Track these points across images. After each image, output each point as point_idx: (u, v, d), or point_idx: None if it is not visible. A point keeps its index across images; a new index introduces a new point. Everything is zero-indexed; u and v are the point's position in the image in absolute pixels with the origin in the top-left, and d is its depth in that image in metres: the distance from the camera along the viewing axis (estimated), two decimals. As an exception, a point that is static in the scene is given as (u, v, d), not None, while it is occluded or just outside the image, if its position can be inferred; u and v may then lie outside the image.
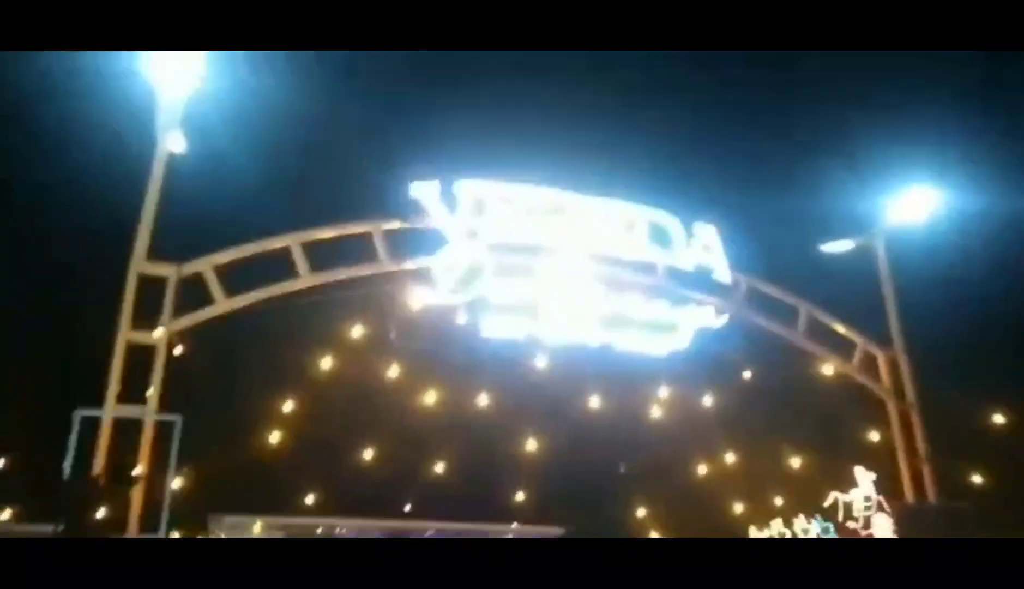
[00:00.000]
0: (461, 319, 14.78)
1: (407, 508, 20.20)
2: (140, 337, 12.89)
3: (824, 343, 17.07)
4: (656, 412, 19.50)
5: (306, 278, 14.23)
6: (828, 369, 17.01)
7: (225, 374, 16.10)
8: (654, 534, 24.44)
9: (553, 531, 19.90)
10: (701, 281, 15.92)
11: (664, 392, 19.09)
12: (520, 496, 21.39)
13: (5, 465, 15.78)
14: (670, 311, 15.20)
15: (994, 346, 18.43)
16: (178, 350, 13.78)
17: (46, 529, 11.62)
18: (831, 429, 18.01)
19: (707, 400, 18.31)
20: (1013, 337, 18.58)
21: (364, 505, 19.01)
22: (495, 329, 14.50)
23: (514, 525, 20.72)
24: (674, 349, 15.19)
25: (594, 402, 18.52)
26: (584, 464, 19.67)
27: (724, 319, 15.52)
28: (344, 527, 19.29)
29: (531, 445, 19.62)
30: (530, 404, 19.02)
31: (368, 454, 18.70)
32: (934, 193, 16.86)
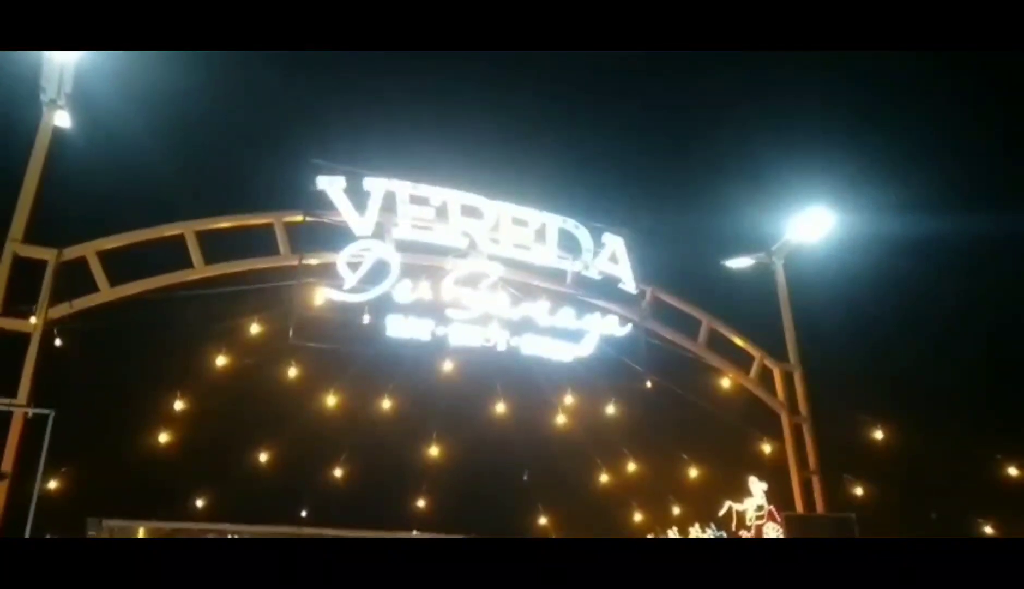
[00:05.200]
0: (365, 319, 14.38)
1: (303, 514, 19.62)
2: (12, 324, 12.02)
3: (724, 355, 17.43)
4: (559, 419, 19.52)
5: (200, 269, 13.57)
6: (727, 381, 17.38)
7: (109, 368, 15.23)
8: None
9: (455, 538, 19.64)
10: (607, 290, 16.02)
11: (568, 399, 19.13)
12: (421, 503, 21.09)
13: None
14: (576, 319, 15.24)
15: (882, 363, 19.25)
16: (57, 341, 12.90)
17: None
18: (728, 440, 18.41)
19: (609, 408, 18.42)
20: (901, 355, 19.46)
21: (258, 511, 18.32)
22: (400, 330, 14.18)
23: (414, 533, 20.37)
24: (578, 356, 15.23)
25: (498, 408, 18.38)
26: (487, 471, 19.52)
27: (628, 328, 15.67)
28: (236, 534, 18.52)
29: (433, 451, 19.33)
30: (433, 409, 18.75)
31: (263, 457, 18.03)
32: (830, 214, 17.50)
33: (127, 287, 13.15)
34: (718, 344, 17.24)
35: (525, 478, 21.11)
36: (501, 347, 14.77)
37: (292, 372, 16.32)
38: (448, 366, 16.58)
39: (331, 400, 17.15)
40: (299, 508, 19.54)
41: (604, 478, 21.31)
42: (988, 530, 24.12)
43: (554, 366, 15.42)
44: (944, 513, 21.14)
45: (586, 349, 15.21)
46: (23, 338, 12.30)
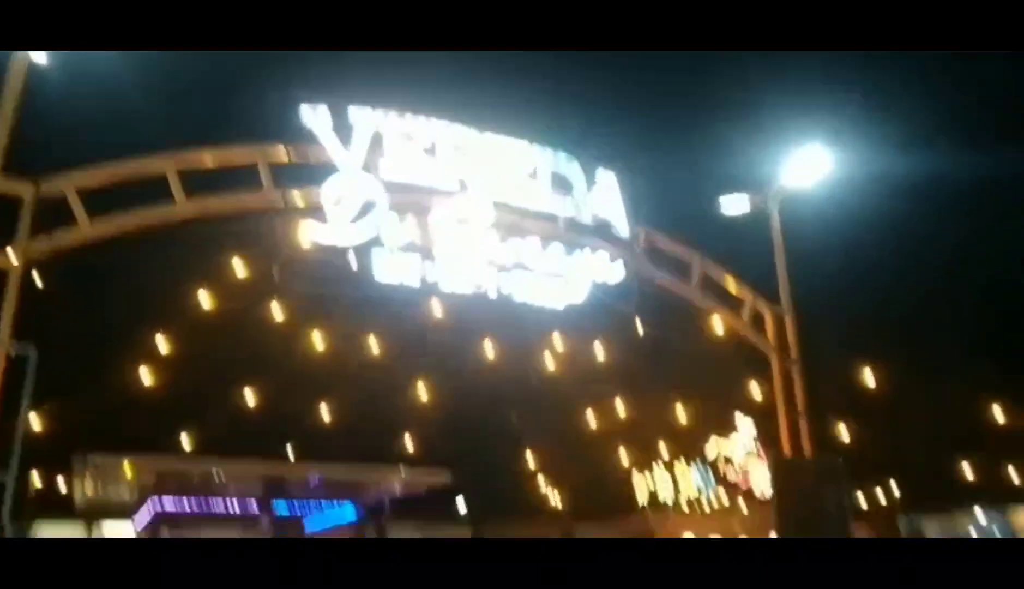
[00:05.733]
0: (352, 260, 14.06)
1: (290, 451, 19.65)
2: (-8, 259, 11.66)
3: (716, 298, 17.28)
4: (549, 363, 19.47)
5: (182, 206, 13.19)
6: (718, 324, 17.28)
7: (93, 307, 14.97)
8: (541, 480, 24.75)
9: (441, 475, 19.77)
10: (599, 233, 15.72)
11: (558, 343, 19.03)
12: (409, 442, 21.16)
13: None
14: (568, 262, 14.96)
15: (878, 307, 19.18)
16: (37, 278, 12.60)
17: None
18: (717, 383, 18.44)
19: (599, 351, 18.36)
20: (893, 300, 19.39)
21: (244, 447, 18.31)
22: (388, 272, 13.88)
23: (401, 468, 20.49)
24: (570, 301, 15.00)
25: (488, 351, 18.27)
26: (475, 412, 19.54)
27: (620, 273, 15.42)
28: (222, 470, 18.55)
29: (422, 392, 19.28)
30: (422, 351, 18.62)
31: (250, 396, 17.94)
32: (827, 155, 17.14)
33: (107, 223, 12.78)
34: (710, 287, 17.07)
35: (514, 420, 21.19)
36: (492, 293, 14.51)
37: (279, 312, 16.08)
38: (438, 310, 16.38)
39: (319, 341, 16.98)
40: (286, 445, 19.54)
41: (593, 420, 21.43)
42: (968, 472, 24.56)
43: (545, 312, 15.21)
44: (931, 456, 21.44)
45: (578, 294, 14.98)
46: (2, 275, 11.99)
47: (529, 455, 22.60)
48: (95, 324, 15.17)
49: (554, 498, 24.73)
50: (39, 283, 12.40)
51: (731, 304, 17.20)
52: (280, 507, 17.16)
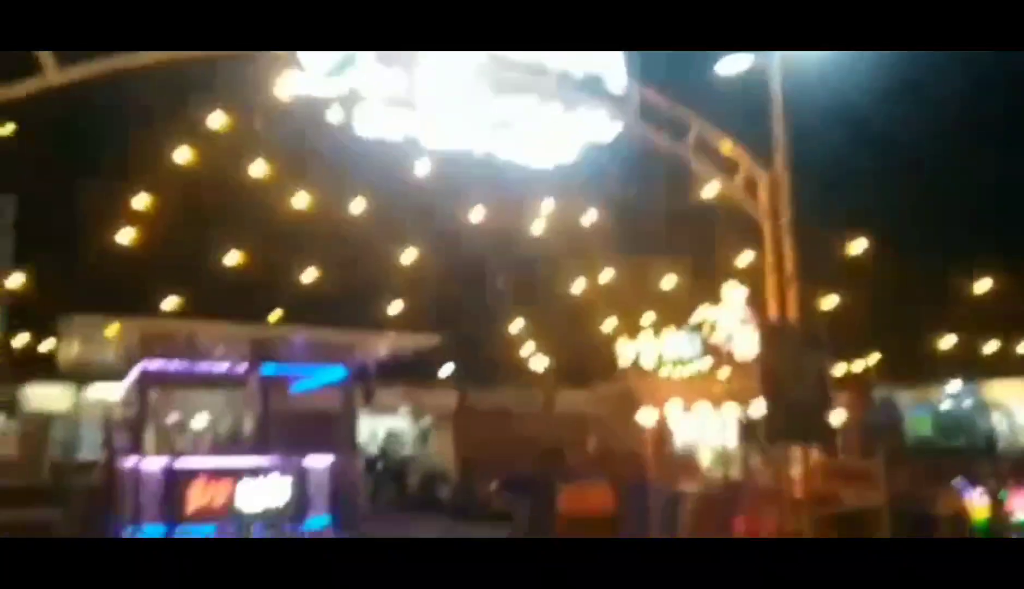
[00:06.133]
0: (334, 114, 13.49)
1: (274, 313, 19.56)
2: (-48, 106, 11.08)
3: (710, 161, 16.89)
4: (536, 227, 19.20)
5: (155, 52, 12.47)
6: (710, 190, 16.96)
7: (66, 160, 14.43)
8: (527, 349, 24.95)
9: (429, 339, 19.88)
10: (592, 88, 15.11)
11: (546, 206, 18.70)
12: (395, 305, 21.10)
13: None
14: (560, 119, 14.40)
15: (871, 174, 18.90)
16: (6, 128, 12.05)
17: None
18: (708, 250, 18.33)
19: (588, 216, 18.09)
20: (891, 167, 19.08)
21: (229, 309, 18.18)
22: (370, 127, 13.33)
23: (388, 333, 20.56)
24: (561, 161, 14.55)
25: (474, 214, 17.94)
26: (462, 277, 19.42)
27: (615, 130, 14.91)
28: (207, 332, 18.49)
29: (408, 255, 19.06)
30: (408, 212, 18.30)
31: (232, 256, 17.64)
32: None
33: (77, 70, 12.08)
34: (705, 151, 16.66)
35: (500, 285, 21.12)
36: (478, 151, 14.05)
37: (259, 169, 15.58)
38: (422, 168, 15.92)
39: (301, 199, 16.55)
40: (271, 307, 19.42)
41: (580, 285, 21.40)
42: (948, 344, 24.99)
43: (534, 172, 14.82)
44: (915, 326, 21.74)
45: (570, 154, 14.53)
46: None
47: (514, 320, 22.68)
48: (73, 178, 14.66)
49: (538, 363, 25.07)
50: (5, 130, 11.85)
51: (726, 168, 16.84)
52: (267, 370, 17.20)
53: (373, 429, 25.43)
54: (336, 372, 18.50)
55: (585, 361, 22.44)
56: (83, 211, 15.79)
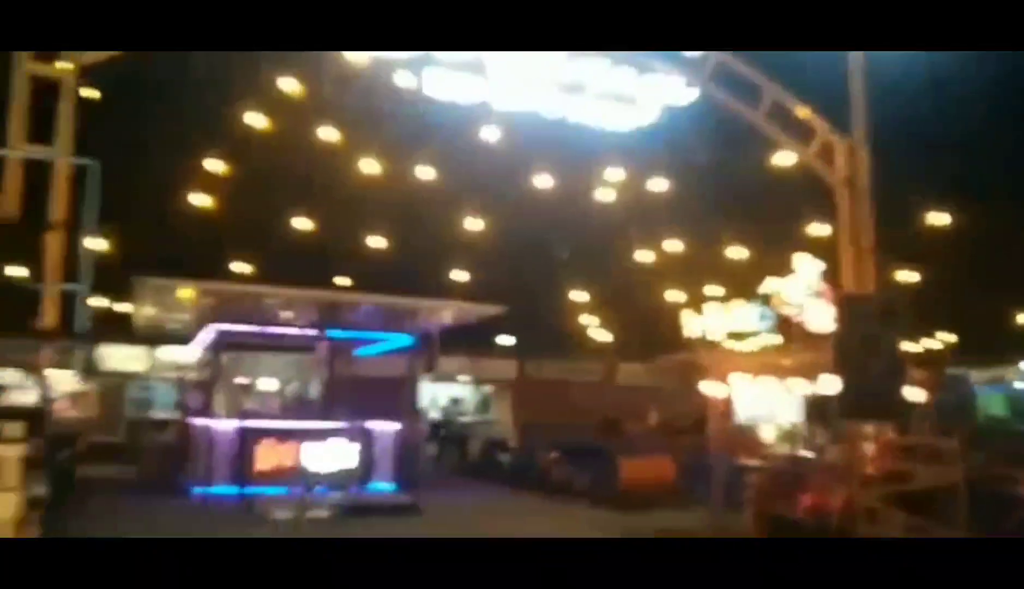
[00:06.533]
0: (403, 78, 13.44)
1: (344, 280, 19.70)
2: (43, 69, 11.32)
3: (785, 128, 16.42)
4: (604, 194, 18.92)
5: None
6: (784, 157, 16.50)
7: (144, 124, 14.69)
8: (589, 319, 24.78)
9: (491, 310, 19.86)
10: (669, 54, 14.76)
11: (614, 174, 18.40)
12: (459, 273, 21.10)
13: None
14: (635, 81, 14.10)
15: (954, 146, 18.11)
16: (87, 91, 12.29)
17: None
18: (779, 218, 17.85)
19: (658, 183, 17.74)
20: (975, 138, 18.23)
21: (298, 274, 18.37)
22: (440, 89, 13.24)
23: (452, 302, 20.57)
24: (637, 125, 14.26)
25: (542, 180, 17.75)
26: (526, 245, 19.29)
27: (692, 94, 14.56)
28: (276, 297, 18.78)
29: (474, 222, 18.99)
30: (475, 178, 18.18)
31: (302, 222, 17.82)
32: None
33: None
34: (780, 116, 16.18)
35: (564, 255, 20.92)
36: (549, 113, 13.89)
37: (330, 134, 15.65)
38: (491, 133, 15.80)
39: (370, 166, 16.59)
40: (337, 273, 19.55)
41: (646, 255, 21.08)
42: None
43: (604, 136, 14.59)
44: (994, 304, 20.90)
45: (645, 117, 14.23)
46: (55, 86, 11.68)
47: (577, 289, 22.47)
48: (148, 142, 14.93)
49: (600, 334, 24.83)
50: (91, 94, 12.10)
51: (801, 135, 16.36)
52: (334, 335, 17.40)
53: (435, 396, 25.61)
54: (401, 339, 18.61)
55: (648, 332, 22.18)
56: (159, 175, 16.07)
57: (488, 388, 26.87)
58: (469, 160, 17.24)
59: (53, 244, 11.19)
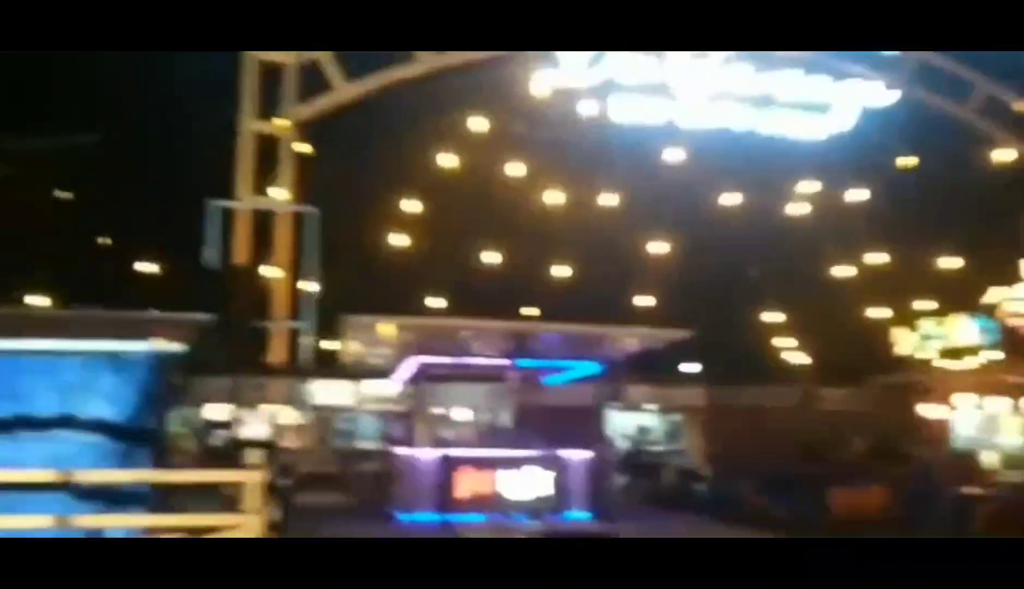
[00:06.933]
0: (587, 107, 13.64)
1: (531, 310, 20.04)
2: (266, 126, 12.52)
3: (998, 123, 15.07)
4: (797, 208, 18.12)
5: (425, 61, 13.35)
6: (1003, 154, 15.11)
7: (348, 172, 15.76)
8: (785, 341, 23.67)
9: (678, 335, 19.48)
10: (864, 54, 14.02)
11: (808, 186, 17.59)
12: (645, 298, 20.85)
13: (144, 260, 16.22)
14: (830, 88, 13.49)
15: None
16: (301, 147, 13.42)
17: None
18: (995, 222, 16.29)
19: (855, 193, 16.76)
20: None
21: (487, 306, 18.91)
22: (625, 113, 13.32)
23: (639, 328, 20.37)
24: (832, 132, 13.61)
25: (730, 198, 17.31)
26: (715, 265, 18.79)
27: (892, 96, 13.72)
28: (469, 329, 19.41)
29: (660, 246, 18.79)
30: (659, 201, 17.99)
31: (490, 255, 18.37)
32: None
33: (360, 84, 13.23)
34: (992, 110, 14.88)
35: (755, 274, 20.18)
36: (738, 127, 13.56)
37: (518, 169, 16.12)
38: (677, 154, 15.65)
39: (556, 196, 16.91)
40: (525, 303, 19.93)
41: (845, 270, 19.91)
42: None
43: (796, 146, 14.03)
44: None
45: (841, 122, 13.58)
46: (274, 141, 12.85)
47: (771, 310, 21.54)
48: (352, 187, 16.01)
49: (796, 356, 23.61)
50: (306, 148, 13.19)
51: (1017, 129, 14.95)
52: (523, 364, 17.66)
53: (622, 424, 25.31)
54: (588, 367, 18.61)
55: (851, 354, 20.85)
56: (361, 219, 17.14)
57: (677, 416, 26.25)
58: (653, 183, 17.13)
59: (278, 286, 12.20)
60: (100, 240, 16.32)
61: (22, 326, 7.79)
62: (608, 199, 17.68)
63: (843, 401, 21.67)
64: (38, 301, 14.91)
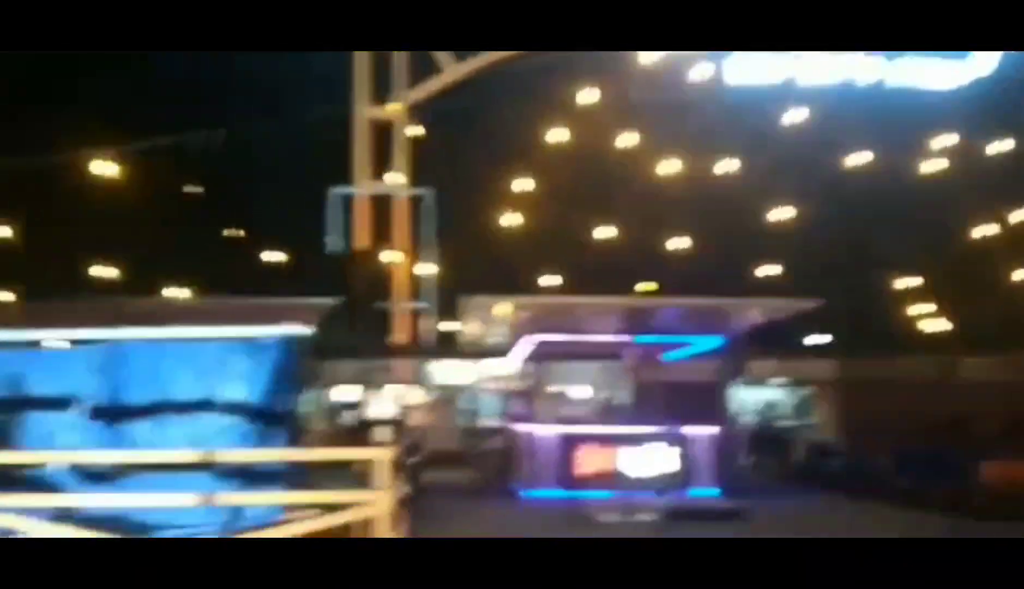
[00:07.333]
0: (700, 71, 13.15)
1: (649, 284, 19.68)
2: (379, 112, 12.76)
3: None
4: (932, 165, 16.93)
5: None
6: None
7: (460, 153, 15.88)
8: (918, 309, 22.39)
9: (805, 305, 18.72)
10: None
11: (943, 139, 16.38)
12: (769, 269, 20.07)
13: (271, 249, 16.92)
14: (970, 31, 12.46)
15: None
16: (414, 130, 13.60)
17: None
18: None
19: (996, 145, 15.48)
20: None
21: (603, 282, 18.69)
22: (741, 74, 12.76)
23: (763, 299, 19.72)
24: (970, 79, 12.59)
25: (857, 158, 16.35)
26: (843, 230, 17.86)
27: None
28: (585, 307, 19.29)
29: (783, 212, 17.98)
30: (781, 165, 17.21)
31: (604, 230, 18.12)
32: None
33: (468, 64, 13.26)
34: None
35: (888, 239, 19.04)
36: (863, 81, 12.73)
37: (630, 139, 15.79)
38: (797, 114, 14.88)
39: (671, 166, 16.47)
40: (642, 278, 19.57)
41: (987, 229, 18.51)
42: None
43: (929, 97, 13.06)
44: None
45: (979, 67, 12.52)
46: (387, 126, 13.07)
47: (905, 276, 20.32)
48: (464, 167, 16.14)
49: (934, 325, 22.16)
50: (418, 131, 13.36)
51: None
52: (642, 340, 17.44)
53: (747, 399, 24.61)
54: (710, 341, 18.20)
55: (994, 320, 19.39)
56: (474, 199, 17.26)
57: (806, 390, 25.33)
58: (773, 146, 16.39)
59: (398, 268, 12.45)
60: (230, 232, 17.21)
61: (164, 315, 8.26)
62: (726, 165, 17.05)
63: (986, 371, 20.30)
64: (178, 292, 15.84)
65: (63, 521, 5.79)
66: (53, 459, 6.19)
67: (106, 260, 16.38)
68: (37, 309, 9.73)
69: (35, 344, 6.99)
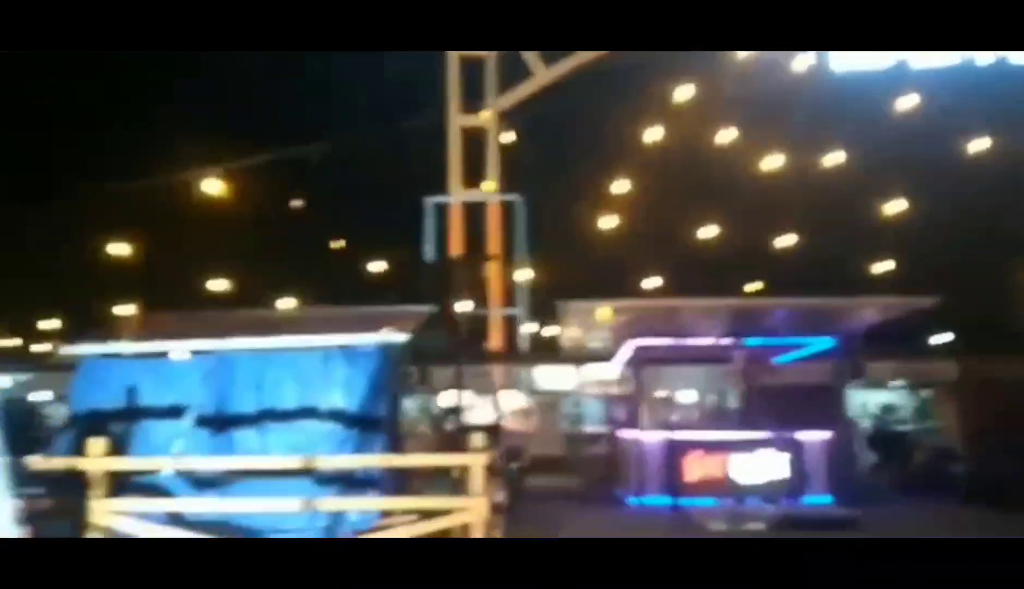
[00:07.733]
0: (801, 61, 12.63)
1: (755, 285, 19.06)
2: (471, 120, 12.86)
3: None
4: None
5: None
6: None
7: (555, 156, 15.85)
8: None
9: (924, 303, 17.75)
10: None
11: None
12: (883, 266, 19.11)
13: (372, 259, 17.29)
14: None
15: None
16: (507, 136, 13.64)
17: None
18: None
19: None
20: None
21: (707, 284, 18.23)
22: (847, 60, 12.18)
23: (877, 298, 18.85)
24: (1105, 50, 11.64)
25: (977, 145, 15.35)
26: (964, 222, 16.82)
27: None
28: (689, 310, 18.86)
29: (897, 204, 17.04)
30: (893, 155, 16.36)
31: (707, 229, 17.63)
32: None
33: (559, 67, 13.20)
34: None
35: (1013, 230, 17.82)
36: (981, 59, 11.92)
37: (727, 135, 15.34)
38: (908, 101, 14.08)
39: (772, 160, 15.90)
40: (748, 278, 18.99)
41: None
42: None
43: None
44: None
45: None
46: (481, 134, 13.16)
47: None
48: (559, 171, 16.10)
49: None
50: (511, 137, 13.39)
51: None
52: (750, 343, 16.97)
53: (864, 402, 23.56)
54: (822, 343, 17.54)
55: None
56: (569, 203, 17.19)
57: (927, 392, 24.08)
58: (885, 135, 15.58)
59: (493, 275, 12.49)
60: (333, 244, 17.77)
61: (268, 326, 8.54)
62: (834, 158, 16.31)
63: None
64: (283, 303, 16.45)
65: (173, 524, 6.03)
66: (165, 465, 6.45)
67: (217, 274, 17.21)
68: (153, 322, 10.26)
69: (151, 355, 7.31)
